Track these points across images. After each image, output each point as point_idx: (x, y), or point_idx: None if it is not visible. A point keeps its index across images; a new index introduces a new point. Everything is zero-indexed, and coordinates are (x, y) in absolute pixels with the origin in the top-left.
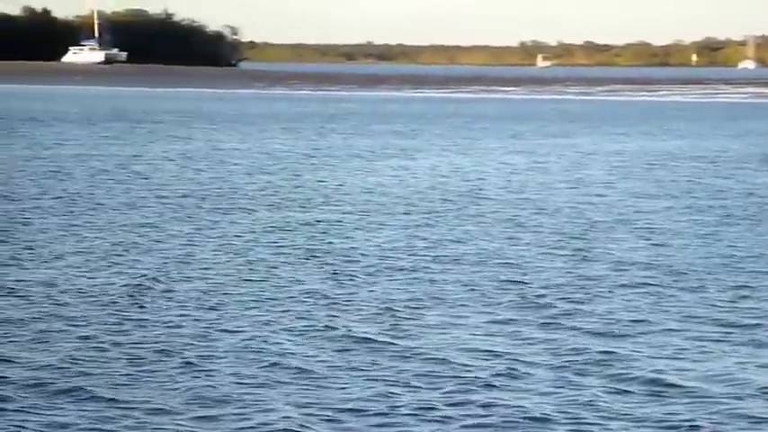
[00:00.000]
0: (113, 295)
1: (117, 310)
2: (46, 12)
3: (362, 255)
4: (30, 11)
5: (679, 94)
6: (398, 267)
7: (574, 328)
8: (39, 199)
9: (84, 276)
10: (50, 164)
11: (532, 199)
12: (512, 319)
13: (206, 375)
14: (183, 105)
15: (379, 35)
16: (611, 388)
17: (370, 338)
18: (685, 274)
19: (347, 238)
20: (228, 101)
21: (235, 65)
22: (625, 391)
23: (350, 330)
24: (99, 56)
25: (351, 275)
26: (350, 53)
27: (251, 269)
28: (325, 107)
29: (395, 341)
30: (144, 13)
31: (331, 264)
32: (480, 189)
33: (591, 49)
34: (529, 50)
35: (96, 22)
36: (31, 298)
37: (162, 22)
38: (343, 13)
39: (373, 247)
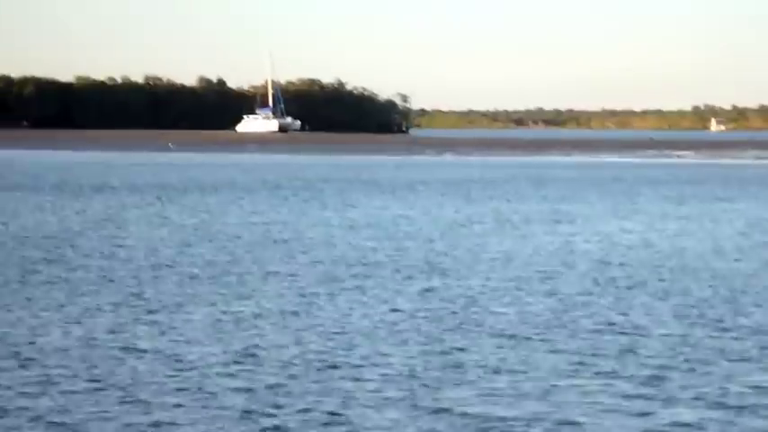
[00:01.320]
0: (264, 366)
1: (269, 380)
2: (221, 82)
3: (517, 322)
4: (205, 81)
5: None
6: (548, 337)
7: (697, 400)
8: (192, 266)
9: (231, 345)
10: (211, 231)
11: (683, 265)
12: (643, 390)
13: None
14: (352, 172)
15: (549, 100)
16: None
17: (508, 415)
18: None
19: (503, 305)
20: (398, 167)
21: (406, 132)
22: None
23: (489, 408)
24: (273, 124)
25: (502, 343)
26: (520, 119)
27: (405, 337)
28: (493, 172)
29: (536, 414)
30: (317, 82)
31: (484, 331)
32: (634, 254)
33: (767, 112)
34: (702, 114)
35: (271, 91)
36: (187, 367)
37: (335, 90)
38: (513, 78)
39: (529, 314)
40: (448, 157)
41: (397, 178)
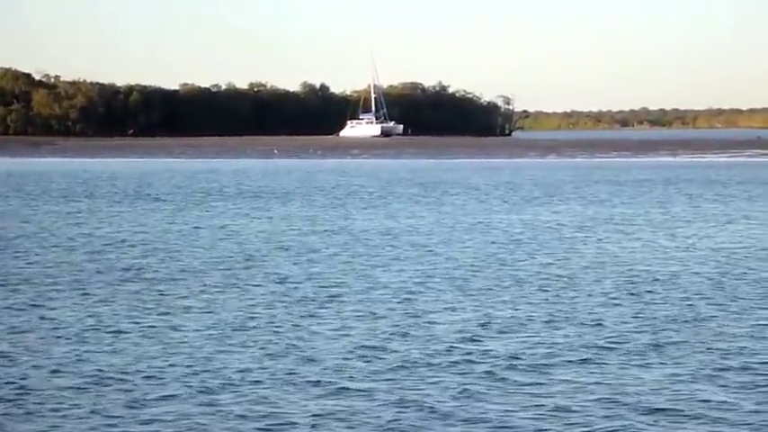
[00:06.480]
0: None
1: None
2: (324, 87)
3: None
4: (308, 86)
5: None
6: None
7: None
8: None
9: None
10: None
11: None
12: None
13: None
14: (452, 176)
15: (654, 100)
16: None
17: None
18: None
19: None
20: (499, 170)
21: (509, 134)
22: None
23: None
24: (375, 129)
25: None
26: (624, 119)
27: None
28: (599, 174)
29: None
30: (419, 86)
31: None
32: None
33: None
34: None
35: (373, 95)
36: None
37: (437, 93)
38: (616, 79)
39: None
40: (552, 159)
41: (495, 180)
